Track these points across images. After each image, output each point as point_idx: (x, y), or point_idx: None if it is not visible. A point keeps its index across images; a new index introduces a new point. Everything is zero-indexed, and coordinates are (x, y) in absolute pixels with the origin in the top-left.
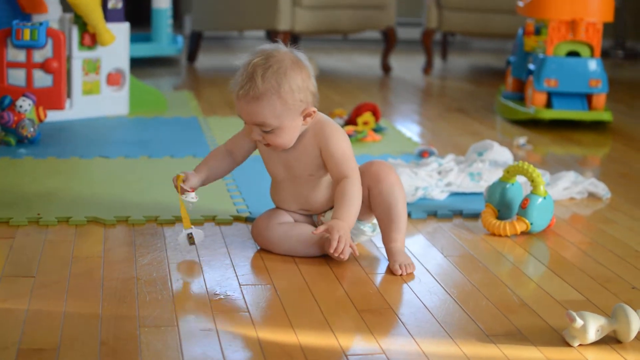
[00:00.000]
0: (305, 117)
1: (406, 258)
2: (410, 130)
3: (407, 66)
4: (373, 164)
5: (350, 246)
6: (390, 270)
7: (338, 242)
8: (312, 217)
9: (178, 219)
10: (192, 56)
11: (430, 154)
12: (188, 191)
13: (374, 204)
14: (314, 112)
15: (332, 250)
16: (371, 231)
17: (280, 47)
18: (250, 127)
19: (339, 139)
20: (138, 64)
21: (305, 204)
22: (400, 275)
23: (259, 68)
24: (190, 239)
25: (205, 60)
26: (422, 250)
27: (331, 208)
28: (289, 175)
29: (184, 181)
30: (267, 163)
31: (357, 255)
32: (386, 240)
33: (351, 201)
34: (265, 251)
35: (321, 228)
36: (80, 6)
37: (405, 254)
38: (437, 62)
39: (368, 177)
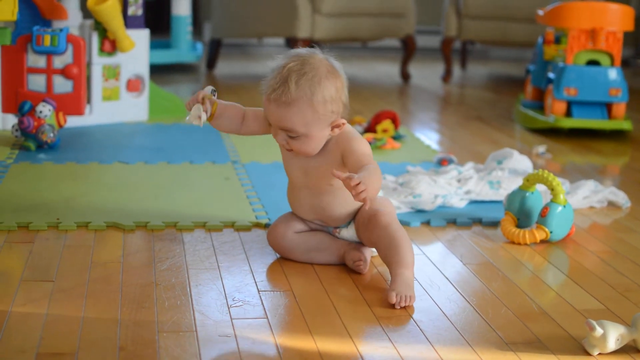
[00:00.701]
0: (333, 128)
1: (407, 289)
2: (429, 138)
3: (426, 74)
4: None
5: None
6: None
7: (359, 185)
8: (328, 229)
9: (197, 225)
10: (211, 63)
11: (450, 162)
12: (203, 110)
13: (374, 246)
14: (343, 124)
15: (351, 185)
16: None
17: (317, 53)
18: (277, 130)
19: (361, 142)
20: (157, 71)
21: (321, 215)
22: (393, 306)
23: (293, 73)
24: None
25: (224, 67)
26: (441, 257)
27: (348, 223)
28: (307, 183)
29: (204, 101)
30: (287, 166)
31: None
32: (392, 273)
33: (374, 175)
34: (283, 257)
35: (342, 175)
36: (101, 13)
37: (408, 285)
38: (456, 70)
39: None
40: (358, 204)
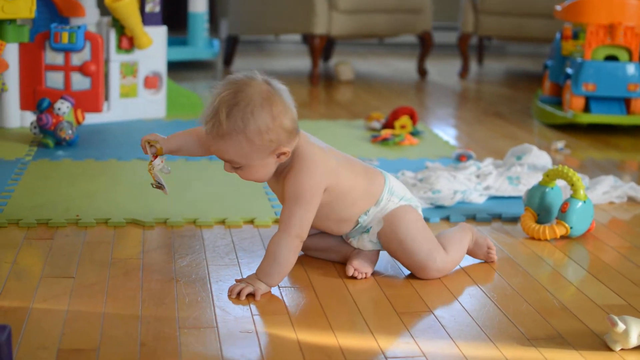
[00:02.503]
0: (279, 156)
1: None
2: (447, 134)
3: (443, 70)
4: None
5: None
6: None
7: (236, 289)
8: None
9: (217, 221)
10: (228, 60)
11: (468, 157)
12: (153, 158)
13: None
14: (287, 152)
15: (228, 293)
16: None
17: (254, 78)
18: (226, 164)
19: (301, 178)
20: (175, 68)
21: (318, 228)
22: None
23: (224, 104)
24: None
25: (241, 64)
26: None
27: (361, 232)
28: None
29: (150, 143)
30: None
31: (241, 298)
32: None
33: (271, 259)
34: (303, 254)
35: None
36: (119, 10)
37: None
38: (473, 66)
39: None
40: (351, 216)
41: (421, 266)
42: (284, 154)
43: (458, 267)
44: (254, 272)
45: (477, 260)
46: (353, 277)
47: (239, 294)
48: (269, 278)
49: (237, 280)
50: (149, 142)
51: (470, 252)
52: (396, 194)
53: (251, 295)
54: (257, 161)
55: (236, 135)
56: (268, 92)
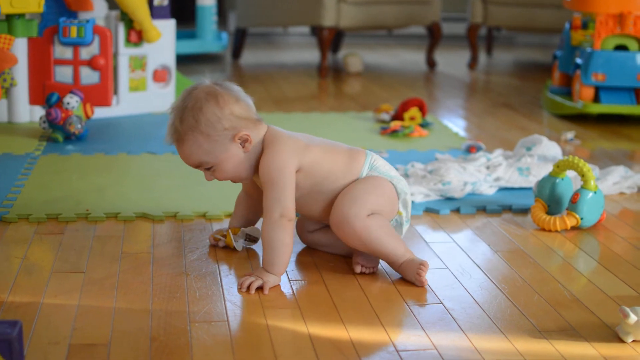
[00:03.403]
0: (243, 144)
1: (415, 267)
2: (456, 125)
3: (452, 61)
4: (332, 215)
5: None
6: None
7: (247, 279)
8: None
9: (226, 215)
10: (236, 53)
11: (478, 149)
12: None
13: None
14: (248, 137)
15: (238, 287)
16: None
17: (201, 82)
18: (205, 173)
19: (269, 165)
20: (183, 61)
21: (319, 220)
22: (424, 283)
23: (176, 111)
24: (249, 237)
25: (249, 56)
26: (472, 245)
27: None
28: None
29: (216, 239)
30: None
31: (251, 292)
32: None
33: (268, 249)
34: (313, 247)
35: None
36: (127, 3)
37: (413, 266)
38: (482, 57)
39: (333, 228)
40: (337, 192)
41: (340, 203)
42: (246, 140)
43: (469, 259)
44: (262, 267)
45: (486, 253)
46: (361, 273)
47: (248, 287)
48: (273, 267)
49: (246, 275)
50: (214, 238)
51: (400, 270)
52: (377, 170)
53: (260, 289)
54: (222, 154)
55: (192, 133)
56: (211, 88)
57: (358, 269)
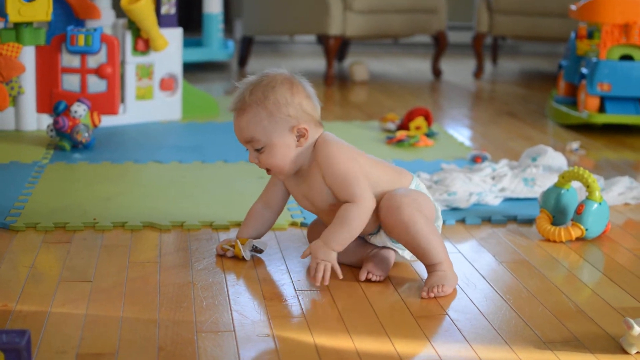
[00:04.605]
0: (299, 138)
1: (440, 280)
2: (461, 134)
3: (457, 70)
4: (384, 200)
5: (333, 270)
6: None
7: (317, 268)
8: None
9: (233, 225)
10: (243, 61)
11: (483, 159)
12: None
13: (397, 239)
14: (306, 132)
15: (310, 274)
16: (409, 256)
17: (282, 71)
18: (248, 149)
19: (339, 159)
20: (189, 69)
21: None
22: (426, 296)
23: (249, 85)
24: (256, 248)
25: (256, 64)
26: (477, 255)
27: (378, 229)
28: (314, 208)
29: (224, 249)
30: (295, 198)
31: (325, 283)
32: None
33: (343, 225)
34: None
35: (306, 251)
36: (134, 12)
37: (441, 277)
38: (488, 66)
39: (382, 212)
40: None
41: (390, 194)
42: (303, 136)
43: (474, 269)
44: (323, 243)
45: (491, 263)
46: (367, 280)
47: (322, 278)
48: (341, 246)
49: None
50: (222, 248)
51: (429, 271)
52: (422, 190)
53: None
54: (277, 138)
55: (256, 107)
56: (291, 77)
57: (364, 274)
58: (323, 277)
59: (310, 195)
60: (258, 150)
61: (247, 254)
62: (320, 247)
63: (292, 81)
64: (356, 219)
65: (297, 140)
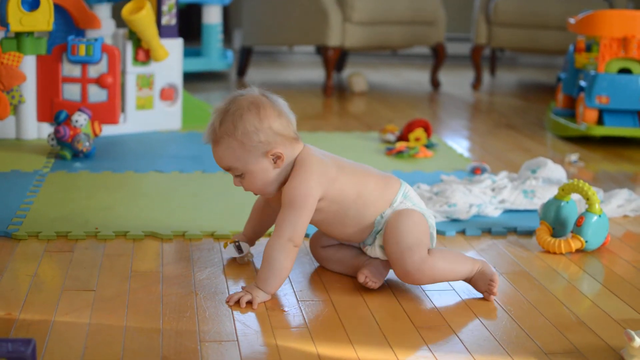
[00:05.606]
0: (275, 160)
1: (485, 280)
2: (460, 146)
3: (456, 82)
4: (396, 270)
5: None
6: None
7: (234, 297)
8: (356, 244)
9: (235, 234)
10: (242, 71)
11: (483, 170)
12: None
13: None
14: (281, 155)
15: (226, 300)
16: None
17: (250, 91)
18: (233, 178)
19: (295, 183)
20: (188, 79)
21: (336, 238)
22: (490, 298)
23: (219, 113)
24: (238, 248)
25: (255, 74)
26: None
27: (373, 240)
28: None
29: (235, 242)
30: None
31: (241, 306)
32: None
33: (268, 267)
34: (321, 267)
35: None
36: (135, 22)
37: (484, 278)
38: (486, 77)
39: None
40: (367, 220)
41: (399, 257)
42: (279, 157)
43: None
44: (254, 283)
45: None
46: (365, 285)
47: (238, 302)
48: (265, 284)
49: (242, 288)
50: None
51: (472, 282)
52: (410, 200)
53: (249, 304)
54: (253, 165)
55: (227, 138)
56: (258, 98)
57: (362, 278)
58: (239, 300)
59: None
60: (239, 176)
61: (229, 248)
62: (251, 284)
63: (259, 104)
64: (276, 257)
65: (274, 163)
